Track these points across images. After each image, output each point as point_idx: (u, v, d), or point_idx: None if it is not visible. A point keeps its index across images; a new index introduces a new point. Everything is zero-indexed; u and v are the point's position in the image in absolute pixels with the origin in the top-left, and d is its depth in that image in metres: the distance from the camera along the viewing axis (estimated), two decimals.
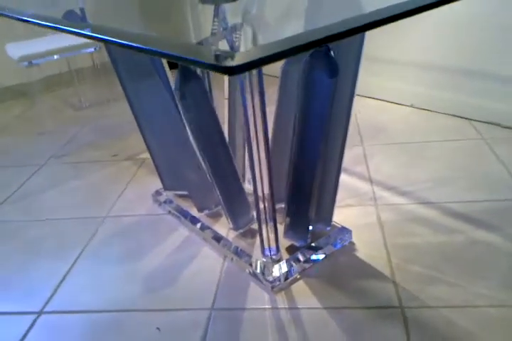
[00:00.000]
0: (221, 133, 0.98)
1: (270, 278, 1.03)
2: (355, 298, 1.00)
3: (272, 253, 1.04)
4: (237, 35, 2.30)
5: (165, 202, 1.37)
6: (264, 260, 1.08)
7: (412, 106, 1.90)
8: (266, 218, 0.95)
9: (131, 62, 1.13)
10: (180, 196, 1.39)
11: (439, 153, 1.56)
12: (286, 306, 1.00)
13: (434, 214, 1.26)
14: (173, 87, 1.09)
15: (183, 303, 1.03)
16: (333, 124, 0.92)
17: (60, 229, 1.34)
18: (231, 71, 0.48)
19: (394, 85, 1.92)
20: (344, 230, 1.17)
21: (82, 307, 1.05)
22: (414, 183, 1.40)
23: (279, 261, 1.07)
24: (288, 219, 1.07)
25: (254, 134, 0.81)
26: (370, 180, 1.43)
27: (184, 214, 1.30)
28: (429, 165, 1.49)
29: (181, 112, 1.04)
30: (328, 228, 1.17)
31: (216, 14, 2.25)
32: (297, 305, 1.00)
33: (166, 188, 1.38)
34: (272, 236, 1.00)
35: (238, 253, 1.12)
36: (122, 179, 1.58)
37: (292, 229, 1.07)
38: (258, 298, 1.03)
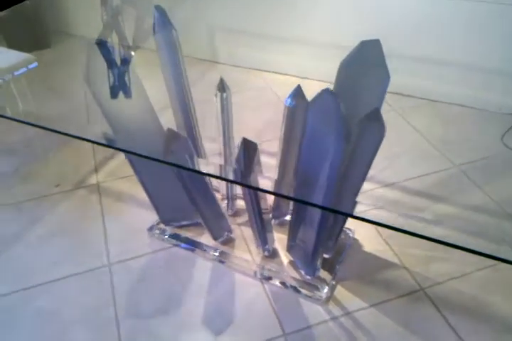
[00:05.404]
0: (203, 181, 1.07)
1: (319, 294, 1.20)
2: (387, 290, 1.24)
3: (318, 272, 1.20)
4: (120, 19, 2.15)
5: (166, 235, 1.36)
6: (309, 277, 1.23)
7: (323, 81, 2.06)
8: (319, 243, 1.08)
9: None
10: (178, 227, 1.39)
11: None
12: (342, 313, 1.19)
13: (399, 195, 1.53)
14: None
15: (257, 336, 1.14)
16: None
17: (68, 292, 1.25)
18: None
19: (305, 62, 2.05)
20: (348, 230, 1.37)
21: None
22: None
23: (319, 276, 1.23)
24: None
25: None
26: None
27: (197, 245, 1.33)
28: None
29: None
30: None
31: (103, 2, 2.03)
32: (349, 310, 1.20)
33: (164, 222, 1.36)
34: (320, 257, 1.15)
35: (279, 275, 1.24)
36: (92, 214, 1.47)
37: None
38: (315, 312, 1.19)
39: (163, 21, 1.01)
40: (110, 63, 2.04)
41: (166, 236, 1.36)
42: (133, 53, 2.31)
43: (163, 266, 1.31)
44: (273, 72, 2.17)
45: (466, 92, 1.89)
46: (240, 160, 0.88)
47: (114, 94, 2.20)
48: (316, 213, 0.95)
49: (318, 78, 2.09)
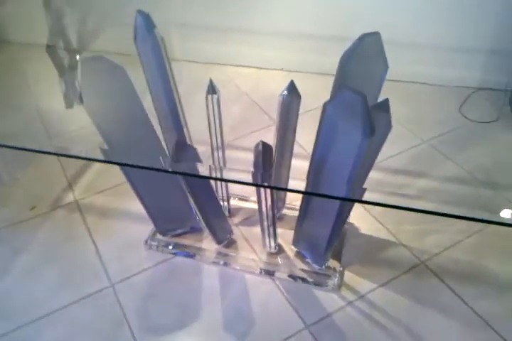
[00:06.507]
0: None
1: (331, 282, 1.23)
2: (391, 268, 1.29)
3: (328, 261, 1.22)
4: (65, 22, 2.07)
5: (164, 245, 1.32)
6: (318, 268, 1.25)
7: (282, 69, 2.07)
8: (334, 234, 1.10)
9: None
10: (175, 236, 1.35)
11: None
12: (355, 297, 1.22)
13: (381, 175, 1.58)
14: None
15: (282, 332, 1.15)
16: None
17: (76, 319, 1.18)
18: None
19: (262, 52, 2.04)
20: None
21: None
22: None
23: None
24: None
25: None
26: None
27: (199, 252, 1.31)
28: None
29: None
30: None
31: (46, 5, 1.92)
32: (361, 293, 1.23)
33: (162, 232, 1.32)
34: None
35: (288, 269, 1.25)
36: (79, 235, 1.39)
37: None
38: (331, 300, 1.22)
39: (148, 27, 0.96)
40: (61, 70, 1.91)
41: (165, 247, 1.32)
42: (78, 57, 2.18)
43: (168, 277, 1.28)
44: (232, 64, 2.14)
45: (417, 69, 1.97)
46: (258, 163, 0.87)
47: (69, 104, 2.07)
48: (334, 206, 0.97)
49: (279, 67, 2.09)
